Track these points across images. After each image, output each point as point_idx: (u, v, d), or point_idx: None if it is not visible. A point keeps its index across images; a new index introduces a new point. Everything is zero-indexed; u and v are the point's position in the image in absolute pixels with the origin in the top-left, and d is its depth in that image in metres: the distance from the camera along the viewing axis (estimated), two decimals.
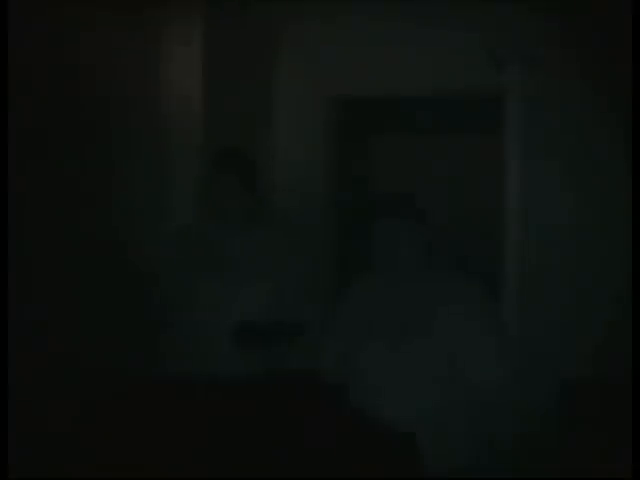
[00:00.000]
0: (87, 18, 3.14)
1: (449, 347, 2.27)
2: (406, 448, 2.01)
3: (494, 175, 3.93)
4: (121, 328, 3.06)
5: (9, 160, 2.24)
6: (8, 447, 1.85)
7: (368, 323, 2.38)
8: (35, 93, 2.81)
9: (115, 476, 1.83)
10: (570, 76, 3.71)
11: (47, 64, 2.92)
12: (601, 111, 3.63)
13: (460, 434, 2.26)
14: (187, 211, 3.62)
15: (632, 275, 2.33)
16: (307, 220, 4.33)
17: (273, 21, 4.24)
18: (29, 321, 2.55)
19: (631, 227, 2.41)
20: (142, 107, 3.55)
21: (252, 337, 2.71)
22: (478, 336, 2.30)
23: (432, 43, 3.98)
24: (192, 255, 2.90)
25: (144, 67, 3.60)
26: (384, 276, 2.46)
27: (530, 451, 2.49)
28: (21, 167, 2.60)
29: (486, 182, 4.32)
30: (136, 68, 3.53)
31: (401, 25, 4.03)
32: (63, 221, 3.00)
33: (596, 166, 3.68)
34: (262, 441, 1.95)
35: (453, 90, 4.09)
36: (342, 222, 4.67)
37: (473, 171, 5.37)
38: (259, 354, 2.76)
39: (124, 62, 3.42)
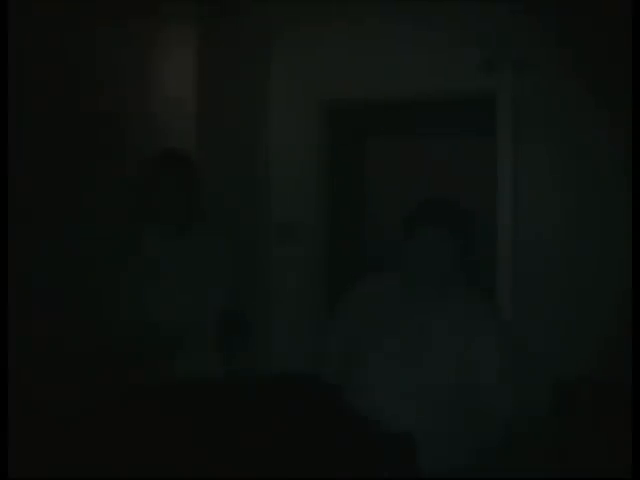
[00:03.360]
0: (85, 20, 3.14)
1: (451, 351, 2.27)
2: (404, 448, 2.01)
3: (491, 176, 3.94)
4: (119, 328, 3.05)
5: (9, 160, 2.24)
6: (8, 447, 1.85)
7: (371, 326, 2.37)
8: (33, 95, 2.81)
9: (115, 476, 1.83)
10: (565, 78, 3.71)
11: (46, 64, 2.92)
12: (596, 112, 3.63)
13: (459, 435, 2.26)
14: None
15: (632, 275, 2.33)
16: (303, 223, 4.33)
17: (269, 23, 4.24)
18: (29, 321, 2.55)
19: (631, 227, 2.41)
20: (137, 108, 3.56)
21: (234, 326, 2.78)
22: (484, 346, 2.29)
23: (427, 45, 3.98)
24: (133, 260, 2.93)
25: (141, 68, 3.60)
26: (393, 280, 2.44)
27: (529, 451, 2.49)
28: (20, 166, 2.60)
29: (483, 183, 4.31)
30: (133, 69, 3.53)
31: (396, 27, 4.03)
32: (63, 221, 3.00)
33: (595, 166, 3.68)
34: (261, 441, 1.94)
35: (449, 92, 4.09)
36: (337, 225, 4.66)
37: (470, 172, 5.37)
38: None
39: (121, 63, 3.42)
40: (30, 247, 2.77)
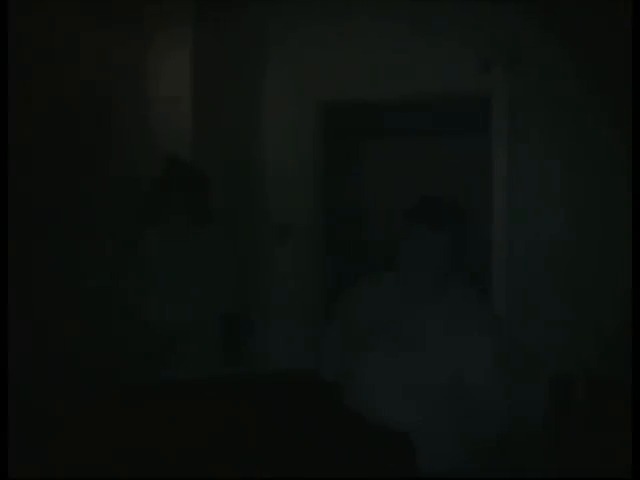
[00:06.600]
0: (81, 21, 3.15)
1: (446, 350, 2.27)
2: (402, 448, 2.01)
3: (486, 175, 3.94)
4: (120, 328, 3.06)
5: (9, 160, 2.24)
6: (8, 447, 1.85)
7: (368, 326, 2.37)
8: (29, 96, 2.82)
9: (115, 476, 1.83)
10: (561, 77, 3.71)
11: (43, 65, 2.93)
12: (593, 112, 3.63)
13: (456, 434, 2.26)
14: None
15: (632, 275, 2.33)
16: (297, 223, 4.32)
17: (264, 23, 4.24)
18: (29, 321, 2.55)
19: (630, 225, 2.41)
20: (133, 108, 3.55)
21: (234, 326, 2.79)
22: (479, 345, 2.29)
23: (423, 45, 3.98)
24: (140, 265, 2.92)
25: (137, 68, 3.60)
26: (390, 280, 2.44)
27: (528, 451, 2.49)
28: (19, 167, 2.60)
29: (477, 182, 4.32)
30: (129, 70, 3.53)
31: (392, 29, 4.03)
32: (62, 221, 3.00)
33: (594, 166, 3.68)
34: (259, 441, 1.94)
35: (445, 92, 4.09)
36: (331, 225, 4.66)
37: (465, 172, 5.37)
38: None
39: (118, 63, 3.42)
40: (30, 248, 2.77)
